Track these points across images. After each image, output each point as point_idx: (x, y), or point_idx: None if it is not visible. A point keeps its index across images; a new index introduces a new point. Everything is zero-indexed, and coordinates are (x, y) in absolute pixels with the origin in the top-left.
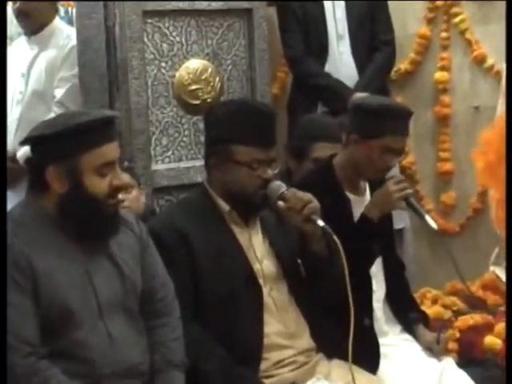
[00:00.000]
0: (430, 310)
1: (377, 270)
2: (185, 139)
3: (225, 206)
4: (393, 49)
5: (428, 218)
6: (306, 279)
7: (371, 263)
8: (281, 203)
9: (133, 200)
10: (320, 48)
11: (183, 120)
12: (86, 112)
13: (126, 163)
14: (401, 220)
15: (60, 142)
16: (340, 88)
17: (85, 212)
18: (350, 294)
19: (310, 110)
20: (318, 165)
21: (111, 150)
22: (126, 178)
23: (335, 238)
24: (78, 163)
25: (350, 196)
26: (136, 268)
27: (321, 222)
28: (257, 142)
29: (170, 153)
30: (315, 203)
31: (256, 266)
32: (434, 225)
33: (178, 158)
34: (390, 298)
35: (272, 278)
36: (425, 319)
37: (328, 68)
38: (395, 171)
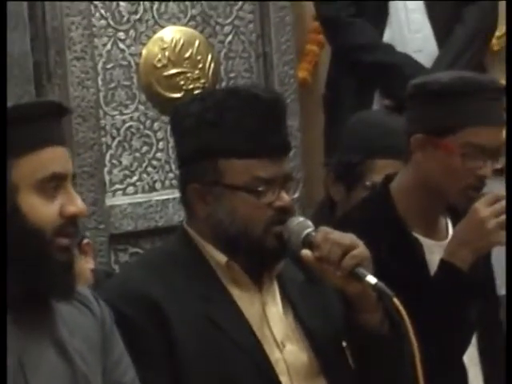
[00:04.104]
0: None
1: (469, 361)
2: (159, 155)
3: (219, 257)
4: (493, 2)
5: None
6: (358, 374)
7: (462, 345)
8: (306, 252)
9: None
10: (376, 3)
11: (155, 125)
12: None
13: None
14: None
15: None
16: (409, 67)
17: (20, 256)
18: None
19: (362, 105)
20: (369, 193)
21: (60, 158)
22: (82, 202)
23: (397, 301)
24: (9, 174)
25: (423, 240)
26: (95, 364)
27: (372, 279)
28: (258, 151)
29: (135, 178)
30: (361, 249)
31: (275, 355)
32: None
33: (149, 187)
34: None
35: (302, 374)
36: None
37: (389, 36)
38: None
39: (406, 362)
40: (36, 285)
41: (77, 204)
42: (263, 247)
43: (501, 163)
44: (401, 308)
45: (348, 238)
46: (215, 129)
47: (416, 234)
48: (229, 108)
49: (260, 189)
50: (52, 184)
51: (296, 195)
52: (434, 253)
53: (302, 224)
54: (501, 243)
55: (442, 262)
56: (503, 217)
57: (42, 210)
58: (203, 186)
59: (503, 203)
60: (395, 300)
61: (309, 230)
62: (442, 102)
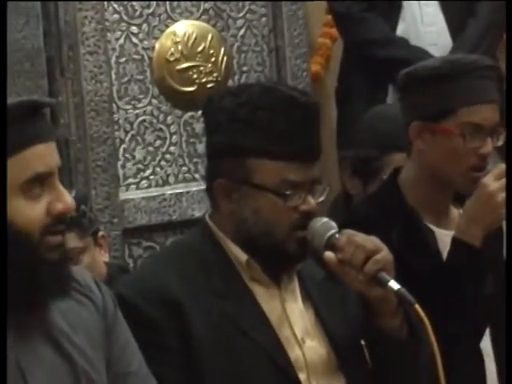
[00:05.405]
0: None
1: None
2: (172, 149)
3: (240, 254)
4: None
5: None
6: (376, 374)
7: (480, 325)
8: (329, 254)
9: (88, 266)
10: None
11: (169, 119)
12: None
13: (73, 193)
14: None
15: None
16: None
17: (9, 259)
18: None
19: (376, 99)
20: (378, 186)
21: (42, 156)
22: (69, 198)
23: (418, 308)
24: None
25: (434, 229)
26: (97, 359)
27: (395, 284)
28: (291, 154)
29: (148, 172)
30: (385, 253)
31: (294, 352)
32: None
33: (162, 181)
34: None
35: (320, 370)
36: None
37: (403, 30)
38: None
39: (424, 366)
40: (29, 288)
41: (64, 200)
42: (284, 250)
43: (501, 140)
44: (423, 315)
45: (372, 241)
46: (247, 126)
47: (427, 224)
48: (263, 107)
49: (288, 192)
50: (36, 184)
51: (322, 198)
52: (445, 242)
53: (325, 225)
54: None
55: (454, 240)
56: None
57: (28, 212)
58: (230, 183)
59: None
60: (417, 307)
61: (332, 231)
62: (435, 86)
